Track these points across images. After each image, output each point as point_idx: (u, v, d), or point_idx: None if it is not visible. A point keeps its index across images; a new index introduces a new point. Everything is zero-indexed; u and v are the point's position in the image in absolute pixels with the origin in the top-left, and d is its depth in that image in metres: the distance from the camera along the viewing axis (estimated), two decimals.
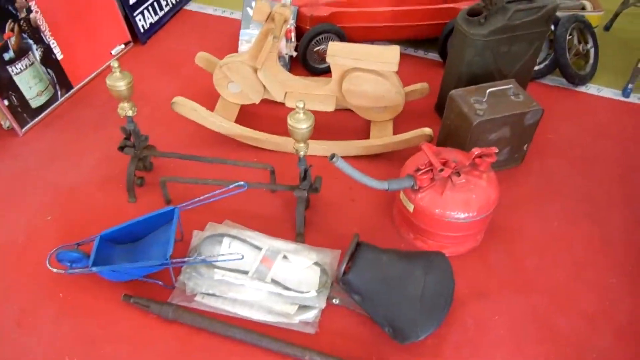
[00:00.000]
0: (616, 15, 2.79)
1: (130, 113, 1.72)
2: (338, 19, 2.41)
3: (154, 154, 1.88)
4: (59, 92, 2.31)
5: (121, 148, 1.81)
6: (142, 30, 2.72)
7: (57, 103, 2.30)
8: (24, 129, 2.17)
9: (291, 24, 2.34)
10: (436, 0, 2.40)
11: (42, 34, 2.20)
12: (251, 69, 1.96)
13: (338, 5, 2.41)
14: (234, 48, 2.65)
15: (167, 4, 2.91)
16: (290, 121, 1.49)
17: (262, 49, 1.92)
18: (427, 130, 1.91)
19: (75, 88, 2.39)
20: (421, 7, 2.40)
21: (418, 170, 1.56)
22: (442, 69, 2.48)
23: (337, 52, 1.91)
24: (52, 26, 2.23)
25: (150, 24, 2.79)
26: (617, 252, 1.73)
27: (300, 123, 1.48)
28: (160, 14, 2.86)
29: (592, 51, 2.43)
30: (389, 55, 1.87)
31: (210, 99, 2.20)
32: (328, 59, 1.92)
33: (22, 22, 2.10)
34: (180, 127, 2.15)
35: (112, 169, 1.99)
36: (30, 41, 2.15)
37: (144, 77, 2.49)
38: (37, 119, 2.21)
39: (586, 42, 2.43)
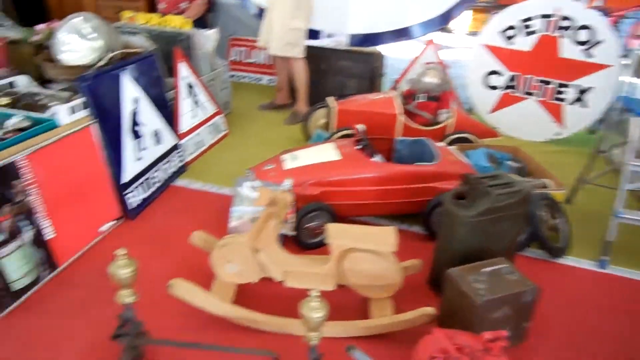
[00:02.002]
0: (575, 190, 3.09)
1: (130, 300, 1.66)
2: (327, 197, 2.55)
3: (149, 342, 1.78)
4: (44, 273, 2.23)
5: (116, 336, 1.71)
6: (131, 207, 2.76)
7: (40, 284, 2.20)
8: (2, 314, 2.02)
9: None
10: (418, 180, 2.61)
11: (36, 216, 2.19)
12: (251, 251, 1.98)
13: (326, 185, 2.57)
14: (222, 223, 2.70)
15: (156, 182, 3.01)
16: (303, 310, 1.47)
17: (263, 231, 1.97)
18: (430, 310, 1.92)
19: (61, 268, 2.32)
20: (404, 187, 2.59)
21: (433, 358, 1.53)
22: (426, 242, 2.60)
23: (336, 234, 1.99)
24: (48, 206, 2.24)
25: (142, 199, 2.84)
26: None
27: (315, 312, 1.46)
28: (150, 191, 2.94)
29: (562, 225, 2.63)
30: (387, 237, 1.95)
31: (203, 277, 2.17)
32: (328, 240, 1.98)
33: (18, 205, 2.11)
34: (175, 308, 2.06)
35: (99, 358, 1.85)
36: (24, 223, 2.13)
37: (133, 254, 2.45)
38: (18, 302, 2.09)
39: (555, 217, 2.64)
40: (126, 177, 2.74)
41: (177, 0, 4.76)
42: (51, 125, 2.35)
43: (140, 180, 2.87)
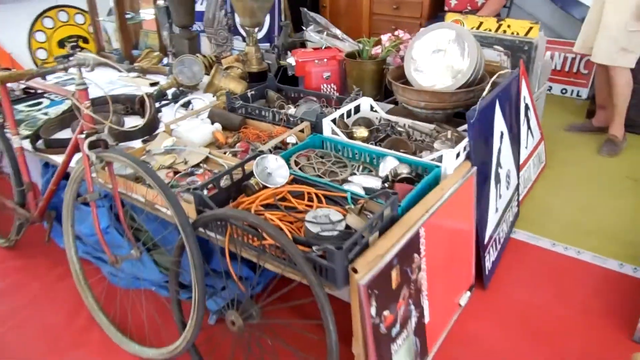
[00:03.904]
0: None
1: None
2: None
3: None
4: None
5: None
6: (486, 272, 2.18)
7: None
8: None
9: None
10: None
11: (421, 296, 1.72)
12: None
13: None
14: (608, 310, 1.98)
15: (502, 236, 2.39)
16: None
17: None
18: None
19: (430, 357, 1.83)
20: None
21: None
22: None
23: None
24: (430, 286, 1.76)
25: (492, 262, 2.25)
26: None
27: None
28: (498, 249, 2.33)
29: None
30: None
31: None
32: None
33: (413, 285, 1.65)
34: None
35: None
36: (411, 307, 1.67)
37: (499, 341, 1.89)
38: None
39: None
40: (487, 234, 2.16)
41: None
42: (437, 176, 1.85)
43: (494, 237, 2.27)
